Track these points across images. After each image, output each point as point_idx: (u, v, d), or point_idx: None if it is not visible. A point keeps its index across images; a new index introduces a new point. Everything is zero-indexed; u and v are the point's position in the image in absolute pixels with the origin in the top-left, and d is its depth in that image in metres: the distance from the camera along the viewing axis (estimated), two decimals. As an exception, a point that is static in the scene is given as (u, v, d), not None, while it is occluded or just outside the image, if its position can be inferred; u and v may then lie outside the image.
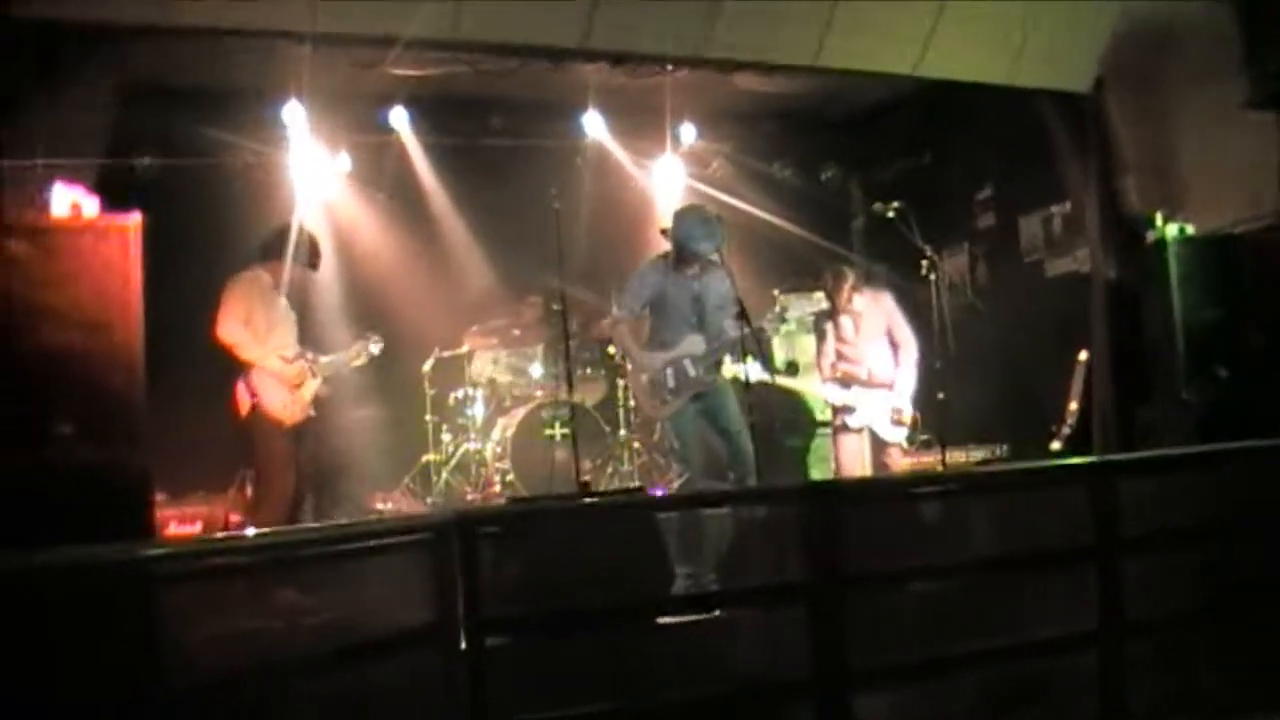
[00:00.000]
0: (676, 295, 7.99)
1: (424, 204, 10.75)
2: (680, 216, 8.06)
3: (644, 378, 8.02)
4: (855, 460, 8.74)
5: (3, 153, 6.80)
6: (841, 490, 6.22)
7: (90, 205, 6.31)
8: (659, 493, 9.19)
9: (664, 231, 8.08)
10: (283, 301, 8.05)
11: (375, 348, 8.40)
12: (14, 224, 6.26)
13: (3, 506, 5.45)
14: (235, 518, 8.94)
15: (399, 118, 10.43)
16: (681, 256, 7.91)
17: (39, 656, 3.76)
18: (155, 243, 6.25)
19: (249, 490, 8.97)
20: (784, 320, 8.36)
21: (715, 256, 7.88)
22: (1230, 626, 5.79)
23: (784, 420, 9.94)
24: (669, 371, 7.89)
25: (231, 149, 10.10)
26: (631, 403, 10.10)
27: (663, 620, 5.27)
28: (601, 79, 9.62)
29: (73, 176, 6.60)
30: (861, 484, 7.19)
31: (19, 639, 3.81)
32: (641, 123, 10.62)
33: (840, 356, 8.80)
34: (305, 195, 9.91)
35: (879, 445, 8.77)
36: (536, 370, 10.39)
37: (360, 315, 9.85)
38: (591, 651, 4.98)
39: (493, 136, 10.76)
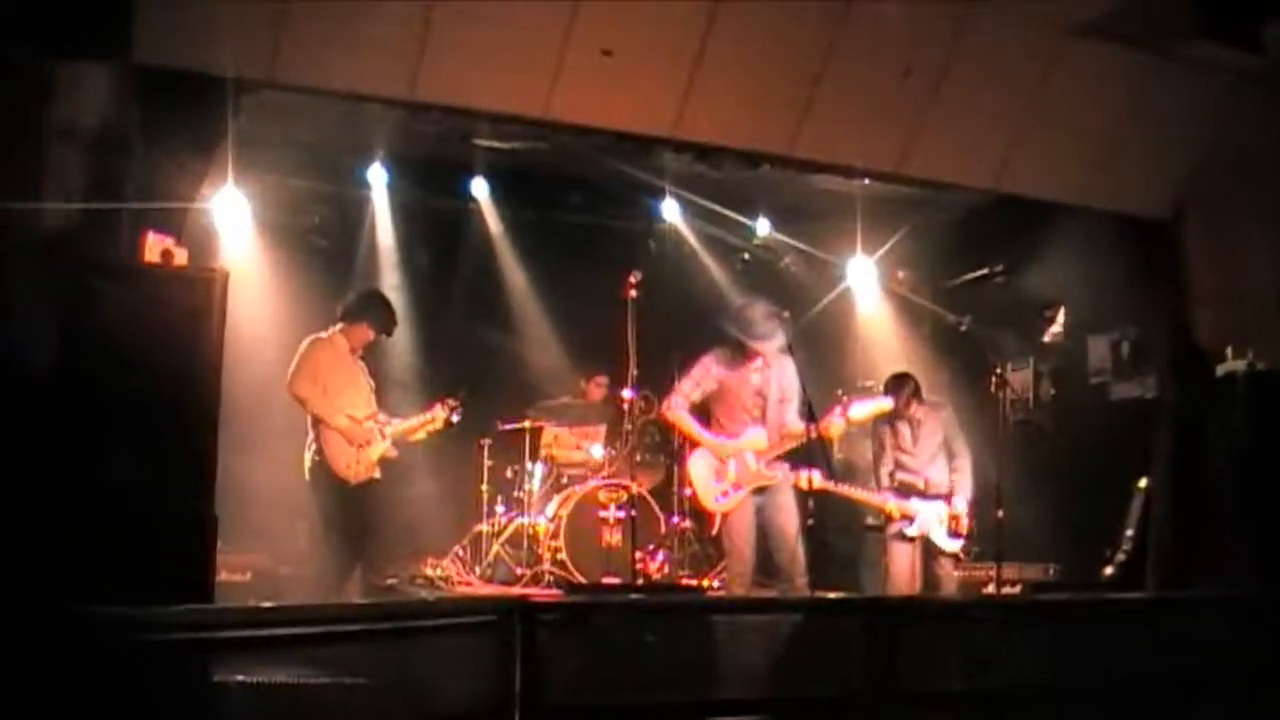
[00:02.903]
0: (739, 387, 7.97)
1: (497, 275, 10.88)
2: (744, 308, 8.05)
3: (704, 466, 7.96)
4: (907, 569, 8.64)
5: (98, 195, 6.93)
6: (906, 606, 6.19)
7: (180, 254, 6.42)
8: (715, 584, 9.19)
9: (727, 324, 8.08)
10: (358, 364, 8.15)
11: (456, 416, 8.47)
12: (104, 266, 6.40)
13: (70, 549, 5.47)
14: (286, 569, 9.02)
15: (480, 187, 10.52)
16: (745, 348, 7.89)
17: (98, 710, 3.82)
18: (237, 293, 6.34)
19: (304, 543, 9.08)
20: (845, 423, 8.22)
21: (780, 350, 7.85)
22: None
23: (835, 523, 9.86)
24: (730, 463, 7.85)
25: (315, 206, 10.24)
26: (688, 490, 9.99)
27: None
28: (682, 167, 9.64)
29: (163, 225, 6.70)
30: (925, 602, 7.13)
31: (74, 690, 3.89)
32: (717, 212, 10.71)
33: (898, 464, 8.74)
34: (384, 257, 10.10)
35: (930, 555, 8.67)
36: (597, 451, 10.38)
37: (427, 382, 10.01)
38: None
39: (570, 213, 10.85)
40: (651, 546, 9.72)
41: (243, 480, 8.02)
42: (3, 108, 6.35)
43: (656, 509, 9.87)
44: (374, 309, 8.24)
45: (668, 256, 11.01)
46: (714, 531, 8.06)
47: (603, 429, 10.58)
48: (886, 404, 8.30)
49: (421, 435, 8.50)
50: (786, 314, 8.02)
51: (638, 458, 9.29)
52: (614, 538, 9.56)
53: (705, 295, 11.12)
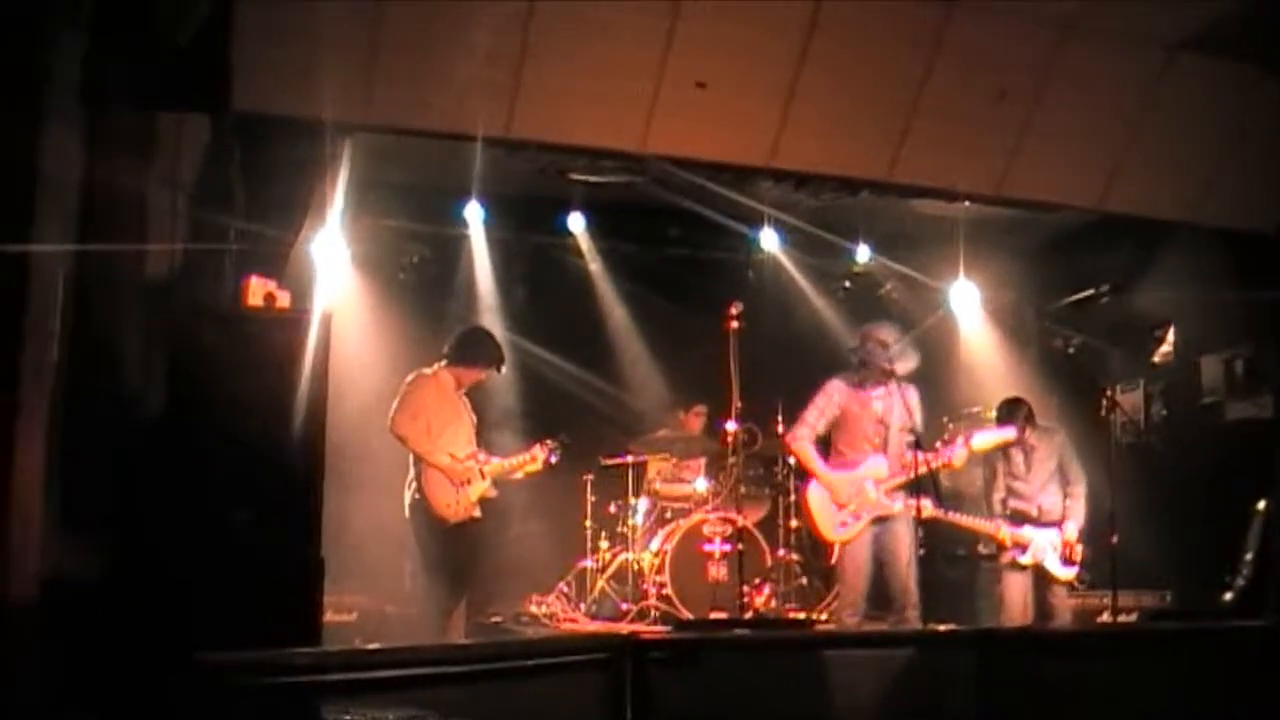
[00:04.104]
0: (861, 414, 7.91)
1: (595, 309, 10.85)
2: (871, 333, 8.00)
3: (823, 495, 7.91)
4: (1020, 598, 8.47)
5: (200, 241, 7.05)
6: (1020, 638, 6.06)
7: (283, 297, 6.44)
8: (823, 618, 9.08)
9: (852, 349, 8.07)
10: (463, 401, 8.13)
11: (554, 457, 8.37)
12: (209, 311, 6.52)
13: (180, 595, 5.53)
14: (391, 609, 9.02)
15: (576, 222, 10.54)
16: (871, 373, 7.82)
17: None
18: (337, 334, 6.41)
19: (407, 582, 9.06)
20: (968, 453, 8.06)
21: (908, 375, 7.84)
22: None
23: (946, 553, 9.75)
24: (850, 493, 7.78)
25: (412, 245, 10.32)
26: (794, 523, 10.00)
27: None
28: (780, 195, 9.60)
29: (265, 269, 6.73)
30: (1040, 633, 6.98)
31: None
32: (817, 240, 10.63)
33: (1010, 492, 8.57)
34: (483, 294, 10.15)
35: (1042, 583, 8.49)
36: (700, 484, 10.25)
37: (527, 419, 10.01)
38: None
39: (668, 246, 10.83)
40: (758, 580, 9.55)
41: (346, 519, 8.09)
42: (107, 160, 6.39)
43: (762, 541, 9.71)
44: (483, 346, 8.22)
45: (767, 286, 10.87)
46: (831, 561, 8.05)
47: (703, 462, 10.50)
48: (1010, 434, 8.21)
49: (519, 475, 8.42)
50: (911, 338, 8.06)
51: (742, 490, 9.15)
52: (719, 571, 9.39)
53: (806, 325, 11.03)
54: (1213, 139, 8.78)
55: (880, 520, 7.77)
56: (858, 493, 7.79)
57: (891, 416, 7.82)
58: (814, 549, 10.04)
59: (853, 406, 7.91)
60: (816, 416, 7.96)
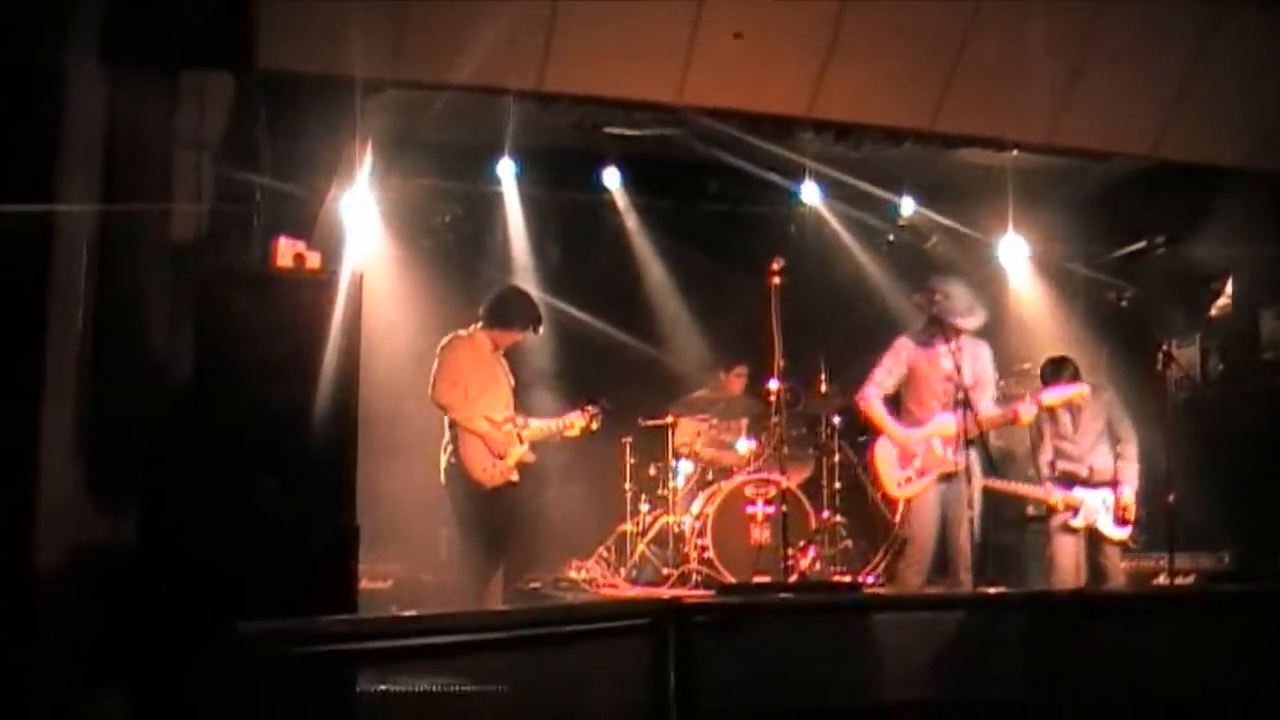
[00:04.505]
0: (929, 371, 7.77)
1: (632, 266, 10.59)
2: (940, 286, 7.85)
3: (889, 451, 7.81)
4: (1072, 561, 8.22)
5: (228, 201, 6.94)
6: (1073, 601, 5.87)
7: (313, 257, 6.31)
8: (869, 581, 8.92)
9: (919, 303, 7.88)
10: (500, 363, 7.94)
11: (596, 424, 8.18)
12: (237, 273, 6.41)
13: (214, 565, 5.45)
14: (427, 576, 8.92)
15: (612, 177, 10.29)
16: (940, 329, 7.67)
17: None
18: (369, 295, 6.25)
19: (443, 549, 9.01)
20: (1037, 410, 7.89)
21: (977, 331, 7.75)
22: None
23: (995, 516, 9.34)
24: (918, 449, 7.70)
25: (445, 203, 10.12)
26: (837, 484, 9.81)
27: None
28: (821, 147, 9.37)
29: (294, 229, 6.62)
30: (1093, 596, 6.81)
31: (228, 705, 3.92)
32: (860, 193, 10.31)
33: (1059, 453, 8.33)
34: (517, 252, 9.92)
35: (1095, 545, 8.25)
36: (742, 445, 10.01)
37: (564, 379, 9.79)
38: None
39: (707, 200, 10.53)
40: (802, 543, 9.33)
41: (379, 485, 7.91)
42: (132, 120, 6.34)
43: (806, 503, 9.47)
44: (519, 306, 7.98)
45: (809, 241, 10.58)
46: (898, 520, 7.95)
47: (744, 423, 10.21)
48: (1082, 390, 8.04)
49: (558, 439, 8.28)
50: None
51: (785, 451, 8.98)
52: (762, 535, 9.20)
53: (850, 280, 10.80)
54: (1270, 83, 8.55)
55: (946, 478, 7.66)
56: (926, 450, 7.71)
57: (962, 374, 7.60)
58: (860, 511, 9.91)
59: (921, 364, 7.81)
60: (884, 375, 7.85)
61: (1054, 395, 7.92)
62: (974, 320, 7.73)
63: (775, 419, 9.05)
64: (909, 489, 7.72)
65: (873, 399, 7.83)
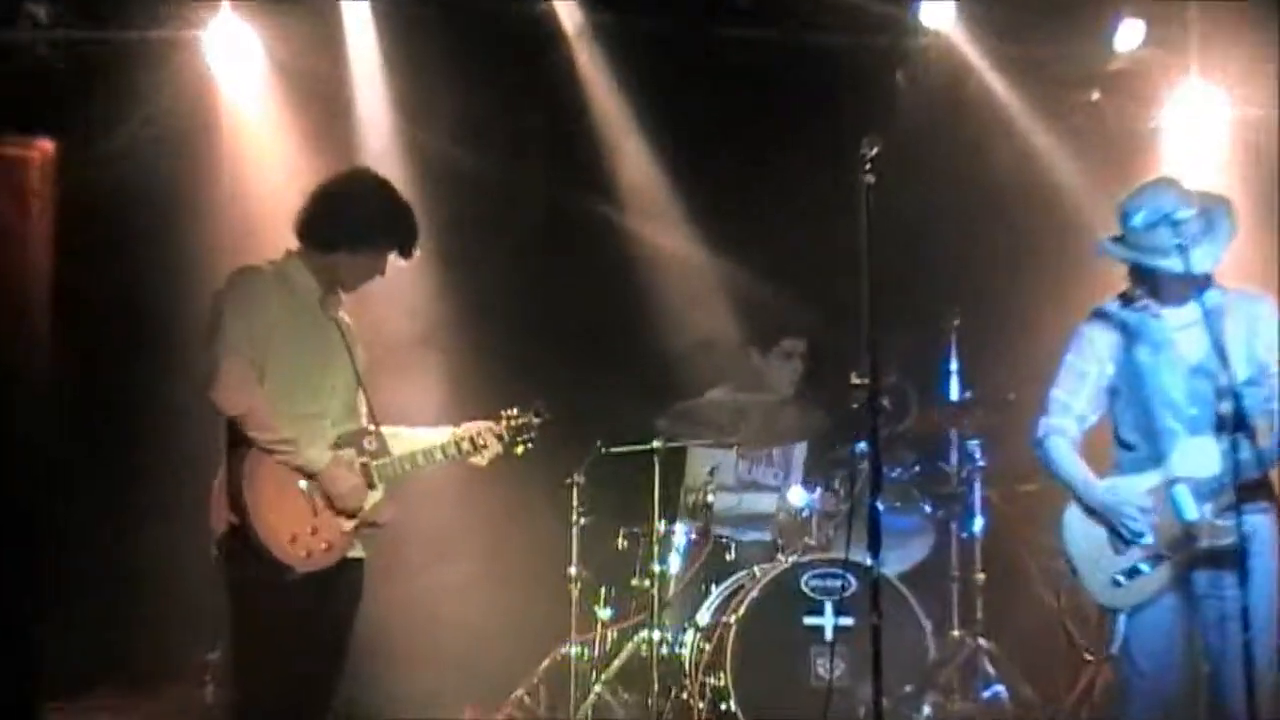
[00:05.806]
0: (1154, 364, 5.15)
1: (586, 146, 6.85)
2: (1142, 201, 4.93)
3: (1087, 530, 5.13)
4: None
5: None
6: None
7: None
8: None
9: (1105, 246, 5.00)
10: (336, 325, 4.85)
11: (521, 446, 5.13)
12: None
13: None
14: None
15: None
16: (1156, 287, 5.00)
17: None
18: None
19: (211, 687, 6.33)
20: None
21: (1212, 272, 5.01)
22: None
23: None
24: (1142, 513, 5.03)
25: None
26: (980, 575, 6.48)
27: None
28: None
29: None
30: None
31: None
32: (1032, 12, 6.50)
33: None
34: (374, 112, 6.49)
35: None
36: (796, 496, 6.33)
37: (466, 364, 6.56)
38: None
39: (733, 25, 6.58)
40: (910, 688, 5.84)
41: (98, 555, 5.90)
42: None
43: (920, 614, 5.88)
44: (373, 208, 4.83)
45: (933, 105, 6.86)
46: (1113, 648, 5.31)
47: (799, 452, 6.76)
48: None
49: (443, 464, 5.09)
50: (1224, 199, 4.87)
51: (881, 507, 5.20)
52: (837, 670, 5.84)
53: (1007, 181, 6.98)
54: None
55: (1202, 563, 4.98)
56: (1159, 513, 5.07)
57: (1215, 355, 4.91)
58: (1024, 625, 6.71)
59: (1138, 352, 5.17)
60: (1069, 393, 5.12)
61: None
62: (1206, 256, 4.89)
63: (862, 447, 6.09)
64: (1132, 589, 5.07)
65: (1056, 437, 5.23)
